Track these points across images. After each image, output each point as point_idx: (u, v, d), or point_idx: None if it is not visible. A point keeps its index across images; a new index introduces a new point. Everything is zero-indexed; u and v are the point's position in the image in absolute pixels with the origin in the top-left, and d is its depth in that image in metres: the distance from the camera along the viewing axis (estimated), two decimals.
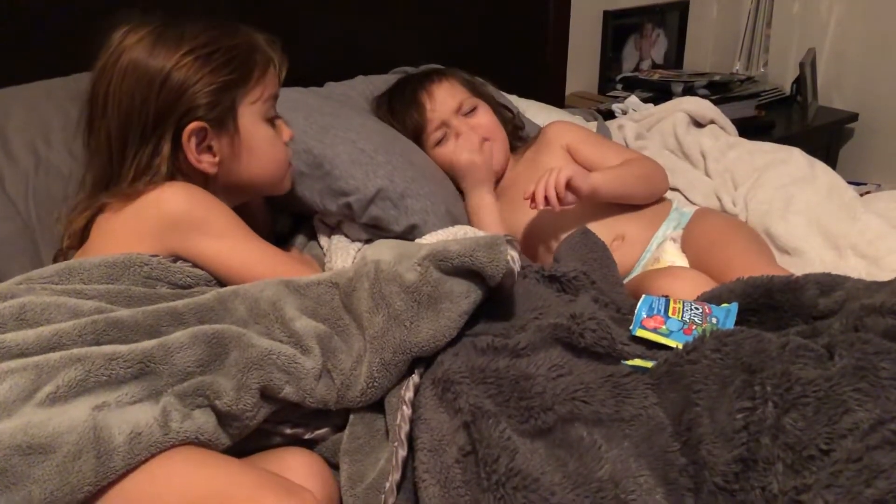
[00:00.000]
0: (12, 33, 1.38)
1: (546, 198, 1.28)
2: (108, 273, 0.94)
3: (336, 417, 0.89)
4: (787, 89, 2.54)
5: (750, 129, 2.09)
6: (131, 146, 1.01)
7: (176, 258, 0.99)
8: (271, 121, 1.11)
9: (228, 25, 1.08)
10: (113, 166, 1.03)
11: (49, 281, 0.93)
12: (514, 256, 0.87)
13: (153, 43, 1.01)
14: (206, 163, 1.04)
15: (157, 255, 0.97)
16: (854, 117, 2.49)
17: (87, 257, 0.97)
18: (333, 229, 1.35)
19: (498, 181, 1.52)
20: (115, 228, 1.00)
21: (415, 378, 0.85)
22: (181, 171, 1.03)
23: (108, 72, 1.01)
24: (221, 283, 1.01)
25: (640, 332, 0.90)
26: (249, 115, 1.06)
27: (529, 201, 1.30)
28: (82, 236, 1.04)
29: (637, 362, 0.84)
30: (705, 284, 1.10)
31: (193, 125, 1.01)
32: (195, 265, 1.00)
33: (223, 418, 0.83)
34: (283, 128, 1.13)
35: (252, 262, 1.01)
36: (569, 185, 1.28)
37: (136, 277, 0.95)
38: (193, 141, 1.02)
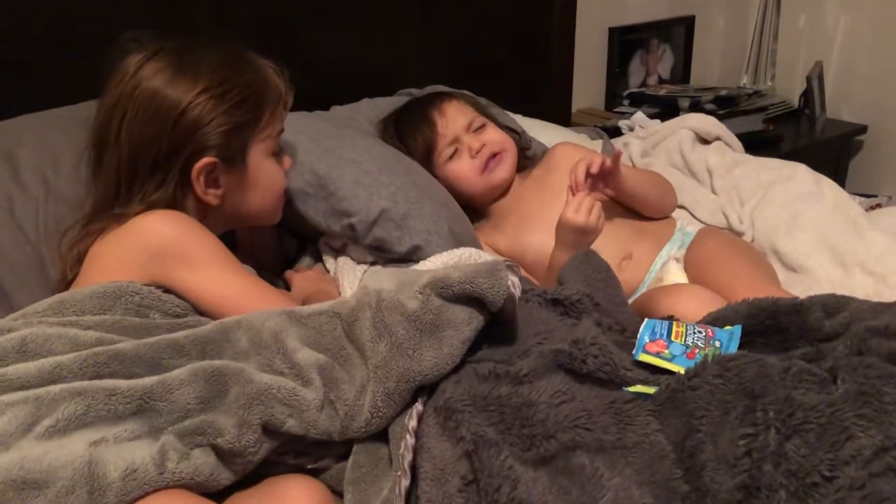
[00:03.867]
0: (23, 61, 1.40)
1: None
2: (101, 304, 0.94)
3: (339, 446, 0.89)
4: (795, 102, 2.54)
5: (758, 142, 2.09)
6: (140, 176, 1.03)
7: (163, 288, 0.99)
8: (277, 154, 1.13)
9: (243, 58, 1.09)
10: (120, 194, 1.04)
11: (44, 315, 0.93)
12: (514, 282, 0.87)
13: (172, 76, 1.02)
14: (212, 196, 1.06)
15: (148, 285, 0.97)
16: (863, 129, 2.49)
17: (79, 288, 0.98)
18: (339, 252, 1.36)
19: (502, 197, 1.53)
20: (102, 257, 1.01)
21: (418, 406, 0.85)
22: (184, 201, 1.05)
23: (124, 100, 1.02)
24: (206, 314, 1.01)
25: (642, 357, 0.89)
26: (258, 153, 1.09)
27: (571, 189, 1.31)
28: (81, 259, 1.04)
29: (639, 388, 0.84)
30: (711, 301, 1.10)
31: (205, 161, 1.02)
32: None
33: (225, 456, 0.83)
34: (285, 158, 1.16)
35: (231, 295, 1.00)
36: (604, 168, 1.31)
37: (128, 307, 0.95)
38: (202, 176, 1.03)
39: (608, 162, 1.31)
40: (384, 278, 0.92)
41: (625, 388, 0.84)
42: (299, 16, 1.68)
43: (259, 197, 1.11)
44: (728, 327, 0.94)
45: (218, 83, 1.03)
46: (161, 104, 1.01)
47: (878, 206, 2.31)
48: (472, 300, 0.87)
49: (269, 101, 1.08)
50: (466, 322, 0.87)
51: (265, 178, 1.11)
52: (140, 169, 1.02)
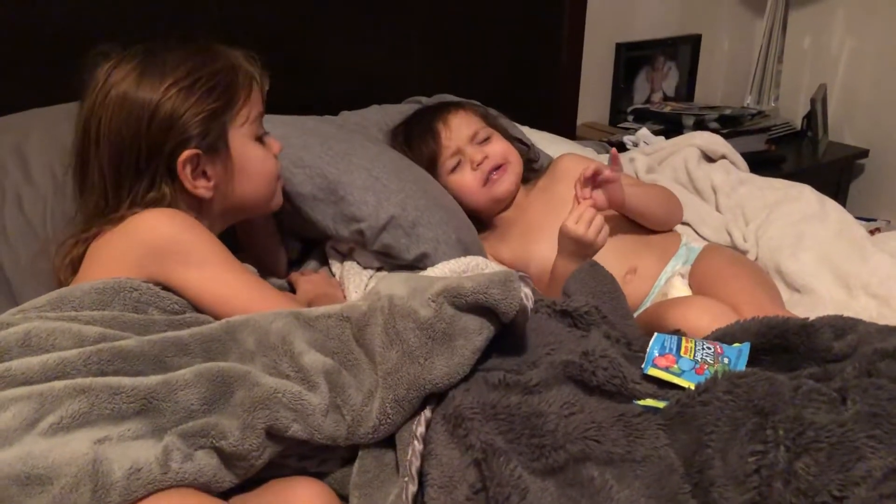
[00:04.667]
0: (32, 58, 1.40)
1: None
2: (99, 299, 0.94)
3: (343, 450, 0.89)
4: (798, 124, 2.55)
5: (760, 163, 2.09)
6: (125, 181, 1.03)
7: (162, 286, 0.99)
8: (260, 138, 1.12)
9: (208, 49, 1.09)
10: (108, 202, 1.04)
11: (42, 310, 0.93)
12: (527, 293, 0.87)
13: (139, 77, 1.02)
14: (202, 188, 1.05)
15: (146, 281, 0.97)
16: (864, 153, 2.50)
17: (77, 284, 0.98)
18: (345, 256, 1.36)
19: (507, 208, 1.53)
20: (100, 256, 1.01)
21: (426, 413, 0.85)
22: (177, 200, 1.04)
23: (97, 109, 1.02)
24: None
25: (651, 371, 0.90)
26: (239, 137, 1.08)
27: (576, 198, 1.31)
28: (75, 268, 1.04)
29: (649, 402, 0.84)
30: (722, 315, 1.10)
31: (187, 153, 1.02)
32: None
33: (228, 458, 0.83)
34: (272, 142, 1.15)
35: (230, 293, 1.00)
36: (601, 178, 1.31)
37: (126, 303, 0.95)
38: (188, 168, 1.03)
39: (605, 169, 1.31)
40: (396, 284, 0.91)
41: (635, 402, 0.84)
42: (307, 24, 1.68)
43: (250, 183, 1.11)
44: (737, 344, 0.94)
45: (184, 75, 1.03)
46: (133, 106, 1.01)
47: (877, 230, 2.33)
48: (484, 310, 0.87)
49: (241, 85, 1.08)
50: (478, 332, 0.86)
51: (252, 163, 1.10)
52: (124, 174, 1.02)
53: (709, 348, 0.93)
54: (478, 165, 1.47)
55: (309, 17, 1.69)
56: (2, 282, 1.15)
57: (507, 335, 0.92)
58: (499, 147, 1.51)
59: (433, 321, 0.85)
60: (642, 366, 0.91)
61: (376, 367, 0.87)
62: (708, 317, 1.09)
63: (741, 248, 1.52)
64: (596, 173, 1.31)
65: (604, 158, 1.80)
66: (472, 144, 1.49)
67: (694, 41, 2.61)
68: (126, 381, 0.82)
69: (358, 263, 1.33)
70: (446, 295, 0.87)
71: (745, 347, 0.93)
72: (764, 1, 2.54)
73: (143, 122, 1.00)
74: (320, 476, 0.89)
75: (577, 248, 1.27)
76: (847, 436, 0.73)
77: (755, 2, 2.65)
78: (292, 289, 1.29)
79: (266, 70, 1.13)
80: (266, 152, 1.13)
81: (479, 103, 1.65)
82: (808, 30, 2.59)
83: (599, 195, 1.33)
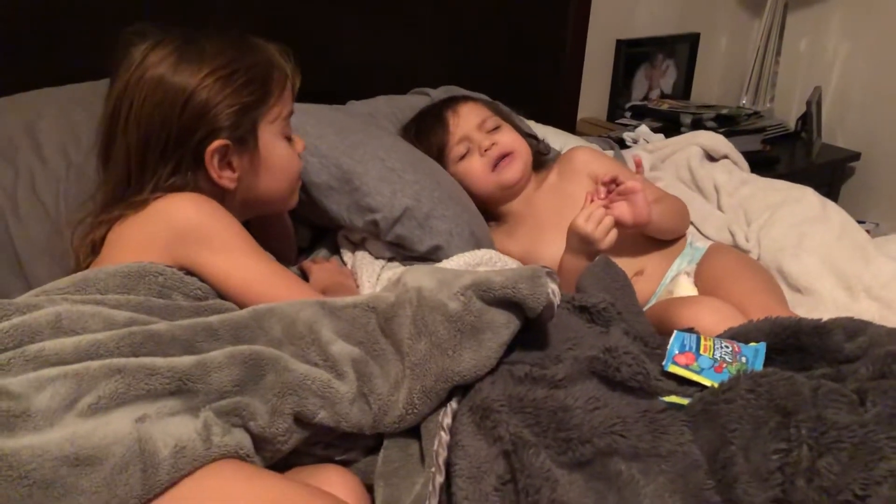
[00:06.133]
0: (44, 37, 1.39)
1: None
2: (124, 283, 0.94)
3: (367, 439, 0.90)
4: (792, 125, 2.58)
5: (755, 163, 2.10)
6: (150, 164, 1.02)
7: (185, 270, 0.99)
8: (288, 136, 1.12)
9: (246, 42, 1.09)
10: (130, 183, 1.03)
11: (65, 292, 0.93)
12: (554, 289, 0.88)
13: (176, 62, 1.01)
14: (227, 179, 1.05)
15: (171, 266, 0.97)
16: (856, 156, 2.54)
17: (102, 267, 0.98)
18: (357, 245, 1.36)
19: (515, 200, 1.53)
20: (124, 239, 1.01)
21: (452, 404, 0.86)
22: (199, 187, 1.04)
23: (130, 89, 1.02)
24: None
25: (672, 368, 0.91)
26: (269, 134, 1.08)
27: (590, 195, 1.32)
28: (95, 249, 1.04)
29: (673, 399, 0.86)
30: (730, 315, 1.11)
31: (217, 143, 1.02)
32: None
33: (256, 441, 0.84)
34: (297, 140, 1.15)
35: (254, 280, 1.00)
36: (620, 189, 1.30)
37: (151, 287, 0.95)
38: (216, 158, 1.03)
39: (626, 178, 1.32)
40: (423, 276, 0.92)
41: (659, 398, 0.86)
42: (314, 13, 1.68)
43: (273, 179, 1.11)
44: (753, 343, 0.96)
45: (223, 65, 1.02)
46: (168, 90, 1.00)
47: (867, 232, 2.37)
48: (511, 304, 0.88)
49: (276, 81, 1.08)
50: (505, 326, 0.88)
51: (278, 160, 1.10)
52: (150, 157, 1.02)
53: (726, 347, 0.94)
54: (485, 151, 1.48)
55: (314, 9, 1.68)
56: (14, 261, 1.15)
57: (530, 329, 0.93)
58: (508, 137, 1.52)
59: (462, 314, 0.86)
60: (662, 363, 0.93)
61: (402, 358, 0.88)
62: (718, 317, 1.11)
63: (743, 248, 1.54)
64: (613, 181, 1.31)
65: (608, 154, 1.82)
66: (481, 132, 1.50)
67: (692, 40, 2.63)
68: (160, 361, 0.82)
69: (370, 253, 1.33)
70: (475, 289, 0.88)
71: (762, 347, 0.95)
72: (762, 2, 2.56)
73: (177, 108, 1.00)
74: (344, 465, 0.90)
75: (584, 246, 1.28)
76: (869, 436, 0.75)
77: (754, 2, 2.68)
78: (304, 276, 1.29)
79: (298, 67, 1.12)
80: (292, 151, 1.13)
81: (487, 97, 1.66)
82: (806, 32, 2.62)
83: (625, 208, 1.30)
